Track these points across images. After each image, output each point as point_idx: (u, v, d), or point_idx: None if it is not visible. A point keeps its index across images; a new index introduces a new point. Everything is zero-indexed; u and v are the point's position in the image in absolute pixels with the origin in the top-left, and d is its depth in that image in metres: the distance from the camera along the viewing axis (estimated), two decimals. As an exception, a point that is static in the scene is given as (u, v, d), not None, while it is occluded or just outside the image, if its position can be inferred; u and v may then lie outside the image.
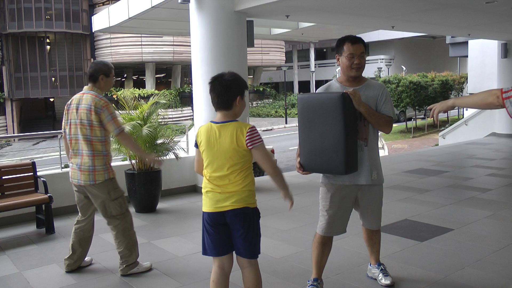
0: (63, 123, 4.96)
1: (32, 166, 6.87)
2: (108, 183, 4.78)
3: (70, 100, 4.87)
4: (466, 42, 24.15)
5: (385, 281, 4.35)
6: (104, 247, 5.69)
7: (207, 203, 3.41)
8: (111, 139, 4.92)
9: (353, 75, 3.93)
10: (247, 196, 3.35)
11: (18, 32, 37.75)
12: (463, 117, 24.41)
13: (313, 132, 3.78)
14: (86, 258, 5.19)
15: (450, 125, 23.29)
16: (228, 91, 3.31)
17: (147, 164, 7.52)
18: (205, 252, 3.51)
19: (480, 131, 17.73)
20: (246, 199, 3.35)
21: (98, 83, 4.81)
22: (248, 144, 3.26)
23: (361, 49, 3.88)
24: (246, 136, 3.26)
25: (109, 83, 4.88)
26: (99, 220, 5.14)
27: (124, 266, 4.87)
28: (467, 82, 28.29)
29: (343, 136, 3.62)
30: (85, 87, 4.86)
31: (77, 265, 5.05)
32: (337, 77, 4.19)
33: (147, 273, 4.92)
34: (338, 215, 4.04)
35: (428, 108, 3.56)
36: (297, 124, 3.95)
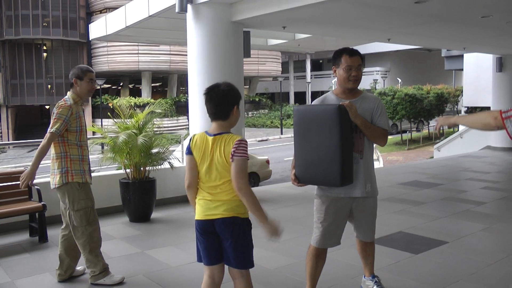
0: None
1: (26, 174, 6.83)
2: (71, 189, 4.71)
3: None
4: (462, 56, 24.28)
5: None
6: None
7: (198, 211, 3.41)
8: (79, 142, 4.81)
9: (350, 87, 3.94)
10: (237, 206, 3.33)
11: (15, 39, 37.78)
12: (458, 130, 24.48)
13: (308, 143, 3.78)
14: (78, 268, 5.14)
15: (445, 137, 23.34)
16: (225, 101, 3.30)
17: (142, 172, 7.51)
18: (199, 258, 3.51)
19: (475, 144, 17.79)
20: (236, 209, 3.33)
21: (74, 88, 4.81)
22: (231, 155, 3.23)
23: (358, 62, 3.90)
24: (232, 148, 3.24)
25: (85, 86, 4.81)
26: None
27: (90, 276, 4.84)
28: (462, 95, 28.41)
29: (339, 148, 3.62)
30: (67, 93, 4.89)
31: (68, 274, 4.99)
32: (333, 88, 4.20)
33: (141, 283, 4.88)
34: (333, 227, 4.04)
35: (434, 120, 3.60)
36: (293, 136, 3.94)
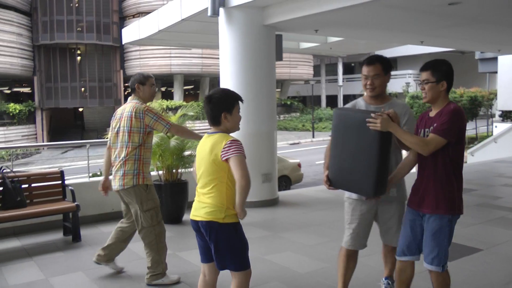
0: (109, 135, 5.10)
1: (61, 175, 6.97)
2: (139, 190, 4.80)
3: (115, 112, 5.03)
4: (496, 58, 23.91)
5: None
6: (131, 256, 5.71)
7: (192, 210, 3.55)
8: (151, 145, 4.96)
9: (368, 95, 4.02)
10: (216, 210, 3.38)
11: (50, 44, 38.44)
12: (492, 134, 24.05)
13: (345, 149, 3.70)
14: (119, 265, 5.28)
15: (479, 142, 22.95)
16: (212, 109, 3.42)
17: (174, 175, 7.57)
18: None
19: (510, 148, 17.44)
20: (215, 213, 3.38)
21: (137, 93, 4.94)
22: (222, 155, 3.30)
23: (374, 71, 3.91)
24: (223, 148, 3.32)
25: (147, 91, 4.96)
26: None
27: (149, 275, 4.91)
28: (496, 99, 27.91)
29: (377, 160, 3.52)
30: (129, 98, 5.01)
31: (105, 259, 5.15)
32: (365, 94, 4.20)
33: (173, 285, 4.91)
34: (360, 229, 4.11)
35: None
36: (330, 137, 3.92)
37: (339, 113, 3.86)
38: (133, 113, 4.75)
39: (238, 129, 3.51)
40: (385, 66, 3.94)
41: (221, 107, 3.39)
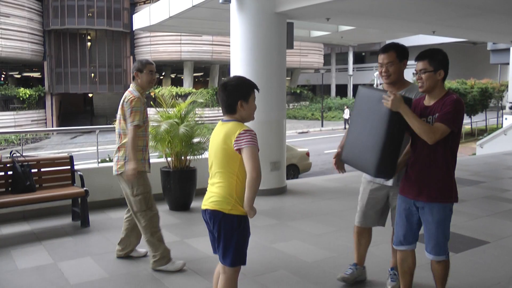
0: None
1: (70, 160, 6.99)
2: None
3: None
4: (508, 49, 23.72)
5: (389, 286, 4.45)
6: (141, 242, 5.74)
7: (203, 200, 3.50)
8: (144, 133, 4.98)
9: (384, 82, 4.09)
10: (222, 201, 3.30)
11: (60, 29, 38.43)
12: (502, 126, 23.89)
13: (360, 125, 3.76)
14: (141, 250, 5.37)
15: (489, 134, 22.81)
16: (228, 97, 3.32)
17: (183, 162, 7.59)
18: None
19: (520, 141, 17.31)
20: (221, 204, 3.30)
21: (136, 80, 4.99)
22: (235, 145, 3.22)
23: (388, 59, 3.99)
24: (236, 137, 3.23)
25: (145, 78, 4.97)
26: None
27: (152, 261, 4.96)
28: (507, 90, 27.73)
29: (383, 139, 3.51)
30: (130, 86, 5.07)
31: (124, 252, 5.29)
32: (375, 82, 4.27)
33: (180, 271, 4.93)
34: (367, 207, 4.36)
35: None
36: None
37: (362, 90, 3.92)
38: (123, 101, 4.89)
39: (252, 118, 3.41)
40: (399, 54, 4.01)
41: (237, 95, 3.30)
